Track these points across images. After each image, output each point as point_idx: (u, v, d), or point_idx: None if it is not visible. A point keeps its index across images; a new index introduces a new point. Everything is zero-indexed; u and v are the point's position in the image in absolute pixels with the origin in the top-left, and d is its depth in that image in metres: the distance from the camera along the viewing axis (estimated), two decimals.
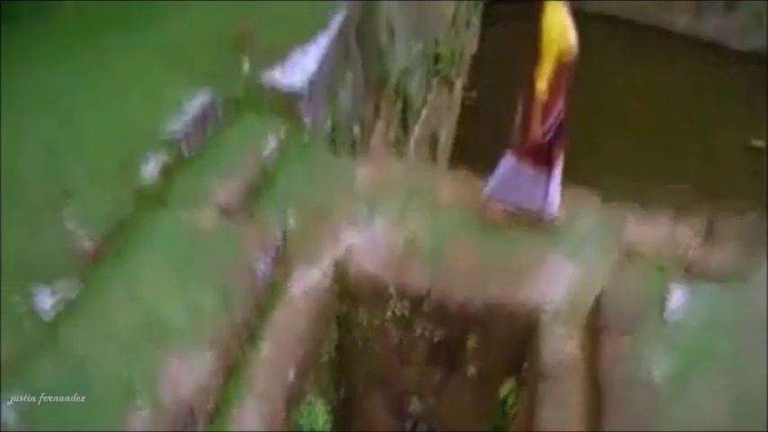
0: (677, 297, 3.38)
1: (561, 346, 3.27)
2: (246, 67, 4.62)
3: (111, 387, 2.87)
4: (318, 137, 4.61)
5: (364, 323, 3.70)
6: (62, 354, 2.96)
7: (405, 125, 7.06)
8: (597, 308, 3.31)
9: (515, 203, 3.81)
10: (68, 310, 3.15)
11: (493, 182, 3.82)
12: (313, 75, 4.48)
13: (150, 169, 3.87)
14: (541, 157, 3.67)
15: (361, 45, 5.24)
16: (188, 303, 3.19)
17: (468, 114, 11.04)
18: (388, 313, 3.61)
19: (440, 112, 9.01)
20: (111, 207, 3.62)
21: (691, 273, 3.60)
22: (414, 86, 6.95)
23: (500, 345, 3.56)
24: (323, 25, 4.79)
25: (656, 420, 2.97)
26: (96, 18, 4.83)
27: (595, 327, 3.24)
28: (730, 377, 3.15)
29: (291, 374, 3.15)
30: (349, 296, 3.66)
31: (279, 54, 4.67)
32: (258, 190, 4.01)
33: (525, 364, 3.42)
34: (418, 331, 3.61)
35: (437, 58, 8.27)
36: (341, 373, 3.84)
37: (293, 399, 3.19)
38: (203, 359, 2.98)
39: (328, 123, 4.82)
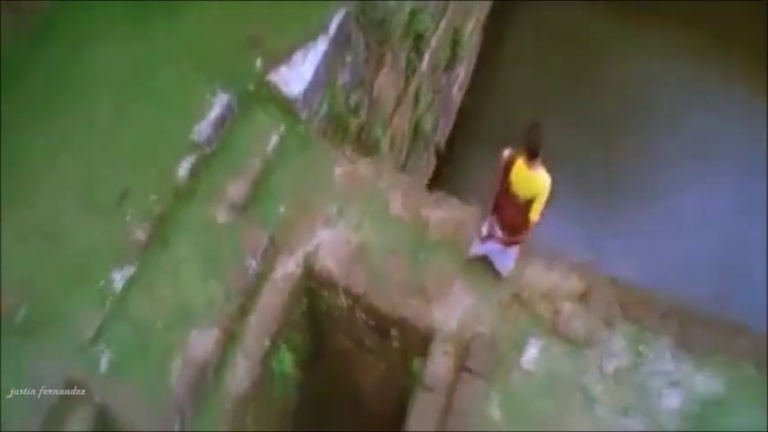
0: (533, 351, 4.99)
1: (438, 368, 5.03)
2: (258, 64, 5.92)
3: (159, 346, 5.00)
4: (314, 127, 6.02)
5: (325, 297, 5.56)
6: (129, 320, 5.07)
7: (417, 51, 8.02)
8: (468, 349, 4.95)
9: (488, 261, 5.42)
10: (130, 287, 5.18)
11: (478, 250, 5.38)
12: (310, 81, 5.76)
13: (183, 170, 5.54)
14: (514, 243, 5.22)
15: (362, 27, 6.26)
16: (204, 291, 5.14)
17: None
18: (339, 298, 5.48)
19: (466, 5, 9.60)
20: (156, 204, 5.43)
21: (555, 329, 5.07)
22: (427, 16, 7.76)
23: (411, 338, 5.37)
24: (325, 27, 5.89)
25: None
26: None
27: (462, 364, 4.93)
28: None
29: (267, 341, 5.20)
30: (314, 281, 5.49)
31: (285, 53, 5.89)
32: (259, 184, 5.66)
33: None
34: (357, 314, 5.50)
35: None
36: (312, 320, 5.85)
37: (268, 355, 5.28)
38: (212, 332, 5.02)
39: (325, 107, 6.16)
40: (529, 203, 4.89)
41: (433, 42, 8.49)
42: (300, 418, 6.69)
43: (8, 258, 5.14)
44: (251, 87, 5.89)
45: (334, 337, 5.89)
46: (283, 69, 5.87)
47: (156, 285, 5.20)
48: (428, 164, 10.51)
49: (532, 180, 4.79)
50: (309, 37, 5.91)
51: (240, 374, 5.08)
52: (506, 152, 4.93)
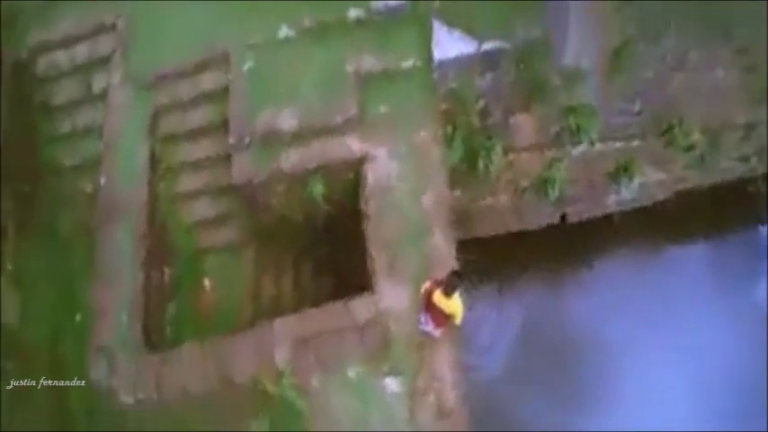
0: (393, 386, 7.22)
1: (360, 312, 7.57)
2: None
3: (269, 95, 8.92)
4: (439, 91, 8.84)
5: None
6: (272, 62, 9.17)
7: (571, 132, 9.74)
8: (375, 326, 7.31)
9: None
10: (282, 43, 9.16)
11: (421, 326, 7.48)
12: (448, 60, 8.84)
13: (353, 14, 9.08)
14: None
15: (516, 65, 8.92)
16: (308, 99, 8.80)
17: None
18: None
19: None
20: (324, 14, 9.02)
21: (413, 399, 7.08)
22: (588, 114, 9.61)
23: None
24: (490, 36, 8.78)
25: None
26: None
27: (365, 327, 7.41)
28: None
29: (313, 165, 8.59)
30: (358, 170, 8.55)
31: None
32: (378, 78, 8.83)
33: None
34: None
35: None
36: (354, 185, 8.64)
37: (307, 174, 8.60)
38: (294, 120, 8.76)
39: (452, 86, 9.04)
40: (451, 315, 6.97)
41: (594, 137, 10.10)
42: (322, 242, 9.98)
43: None
44: (436, 3, 8.95)
45: None
46: (445, 32, 8.85)
47: (295, 61, 8.98)
48: (551, 218, 11.84)
49: (449, 304, 6.90)
50: (485, 32, 8.82)
51: (287, 162, 8.71)
52: (427, 284, 7.00)
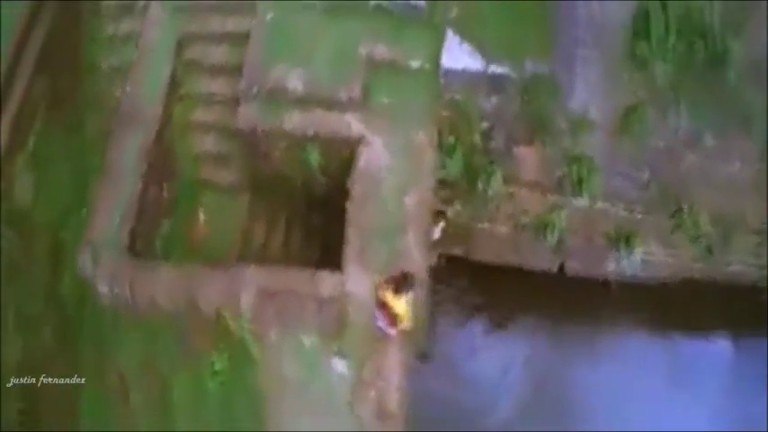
0: (340, 367, 7.67)
1: (327, 283, 8.08)
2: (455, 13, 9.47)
3: (281, 55, 9.58)
4: (444, 98, 9.44)
5: None
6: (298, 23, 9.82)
7: (572, 182, 9.79)
8: (335, 302, 7.77)
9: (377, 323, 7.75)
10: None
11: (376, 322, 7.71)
12: (454, 71, 9.44)
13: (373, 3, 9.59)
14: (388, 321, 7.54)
15: (520, 95, 9.40)
16: (318, 68, 9.43)
17: None
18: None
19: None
20: None
21: (356, 386, 7.45)
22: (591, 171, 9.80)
23: None
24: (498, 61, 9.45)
25: None
26: None
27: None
28: None
29: (311, 131, 9.24)
30: (354, 149, 9.01)
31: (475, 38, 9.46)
32: (387, 67, 9.31)
33: None
34: None
35: None
36: (348, 164, 8.97)
37: (306, 140, 9.30)
38: (300, 82, 9.38)
39: (457, 98, 9.69)
40: (398, 316, 7.23)
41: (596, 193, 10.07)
42: (317, 211, 10.52)
43: None
44: (453, 12, 9.43)
45: None
46: (456, 43, 9.37)
47: (313, 27, 9.63)
48: (550, 264, 11.32)
49: (397, 304, 7.21)
50: (494, 55, 9.33)
51: (290, 122, 9.31)
52: (377, 278, 7.45)
